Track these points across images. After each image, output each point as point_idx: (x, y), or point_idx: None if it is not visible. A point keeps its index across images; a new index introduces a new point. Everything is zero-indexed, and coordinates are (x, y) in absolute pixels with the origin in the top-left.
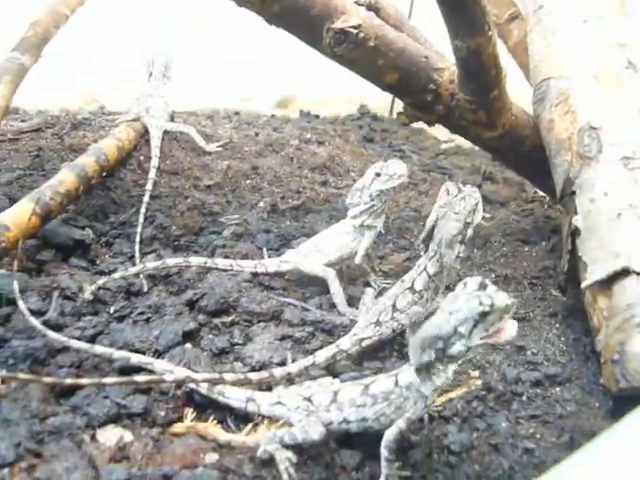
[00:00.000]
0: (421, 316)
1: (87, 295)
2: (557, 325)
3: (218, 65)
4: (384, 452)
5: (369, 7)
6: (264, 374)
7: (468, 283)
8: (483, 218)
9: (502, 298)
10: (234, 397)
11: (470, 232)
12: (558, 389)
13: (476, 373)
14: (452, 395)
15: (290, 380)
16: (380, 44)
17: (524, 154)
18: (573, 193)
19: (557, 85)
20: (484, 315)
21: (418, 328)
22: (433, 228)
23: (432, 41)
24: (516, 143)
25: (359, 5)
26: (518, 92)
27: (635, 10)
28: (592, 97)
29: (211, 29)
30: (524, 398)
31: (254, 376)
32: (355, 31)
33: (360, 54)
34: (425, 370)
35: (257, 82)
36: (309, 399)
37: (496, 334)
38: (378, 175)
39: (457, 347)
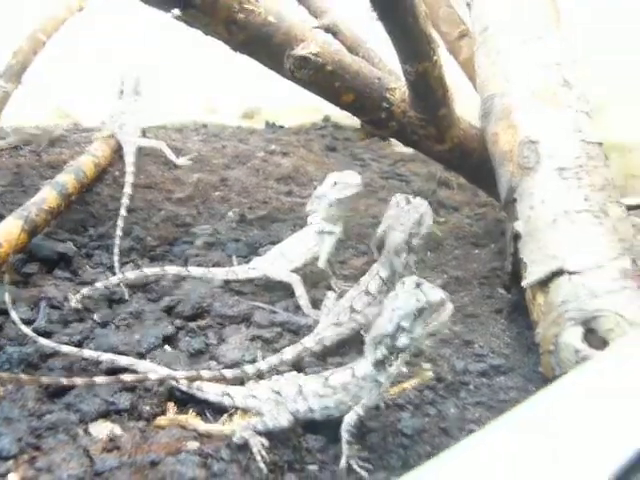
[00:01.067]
0: (375, 317)
1: (73, 304)
2: (502, 320)
3: (184, 77)
4: (344, 435)
5: (327, 30)
6: (237, 371)
7: (406, 282)
8: (436, 223)
9: (435, 294)
10: (211, 392)
11: (416, 242)
12: (502, 378)
13: (427, 365)
14: (405, 385)
15: (260, 376)
16: (337, 68)
17: (473, 165)
18: (515, 200)
19: (500, 101)
20: (421, 310)
21: (371, 328)
22: (383, 236)
23: (388, 59)
24: (465, 155)
25: (316, 28)
26: (469, 104)
27: (570, 31)
28: (531, 113)
29: (176, 41)
30: (471, 387)
31: (228, 373)
32: (313, 57)
33: (318, 78)
34: (380, 363)
35: (222, 93)
36: (278, 392)
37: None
38: (335, 184)
39: (403, 340)
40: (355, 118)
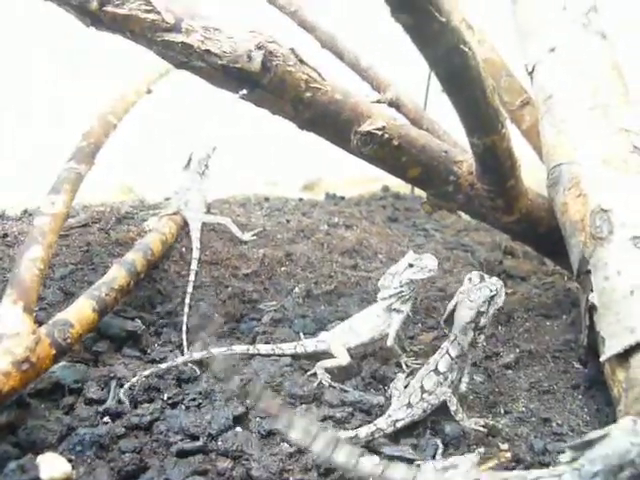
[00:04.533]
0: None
1: (122, 396)
2: (580, 397)
3: (244, 150)
4: None
5: (390, 104)
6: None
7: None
8: (505, 294)
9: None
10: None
11: (484, 321)
12: None
13: (505, 446)
14: (484, 467)
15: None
16: (403, 142)
17: (541, 235)
18: (588, 271)
19: (568, 170)
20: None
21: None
22: (453, 312)
23: (447, 126)
24: (533, 225)
25: (380, 103)
26: (534, 173)
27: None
28: (601, 181)
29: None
30: (553, 465)
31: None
32: (380, 132)
33: (385, 153)
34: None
35: (282, 166)
36: None
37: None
38: (411, 265)
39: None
40: (414, 188)
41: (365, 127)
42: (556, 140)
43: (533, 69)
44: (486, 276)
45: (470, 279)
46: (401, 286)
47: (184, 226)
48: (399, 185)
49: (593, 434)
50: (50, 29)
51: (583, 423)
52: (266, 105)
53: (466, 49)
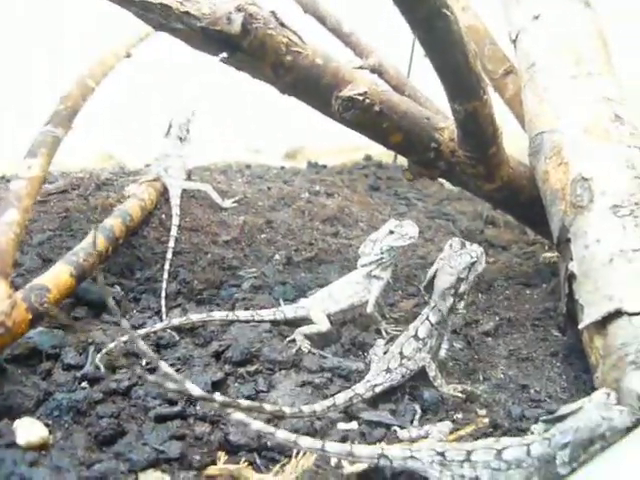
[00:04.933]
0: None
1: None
2: (558, 364)
3: (226, 117)
4: None
5: (372, 70)
6: (295, 409)
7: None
8: (487, 263)
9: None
10: (364, 454)
11: (464, 287)
12: None
13: (483, 412)
14: (462, 432)
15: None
16: (385, 108)
17: (522, 203)
18: (568, 240)
19: (550, 138)
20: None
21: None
22: (433, 279)
23: (430, 93)
24: (514, 193)
25: (362, 69)
26: (517, 141)
27: (620, 66)
28: (583, 149)
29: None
30: (528, 434)
31: (287, 410)
32: (361, 98)
33: (366, 118)
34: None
35: (264, 133)
36: (442, 454)
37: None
38: (392, 232)
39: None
40: (398, 156)
41: (346, 92)
42: (538, 108)
43: (517, 37)
44: (467, 243)
45: (451, 245)
46: (381, 253)
47: (164, 192)
48: (381, 154)
49: (566, 407)
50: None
51: (561, 390)
52: (246, 69)
53: (448, 13)
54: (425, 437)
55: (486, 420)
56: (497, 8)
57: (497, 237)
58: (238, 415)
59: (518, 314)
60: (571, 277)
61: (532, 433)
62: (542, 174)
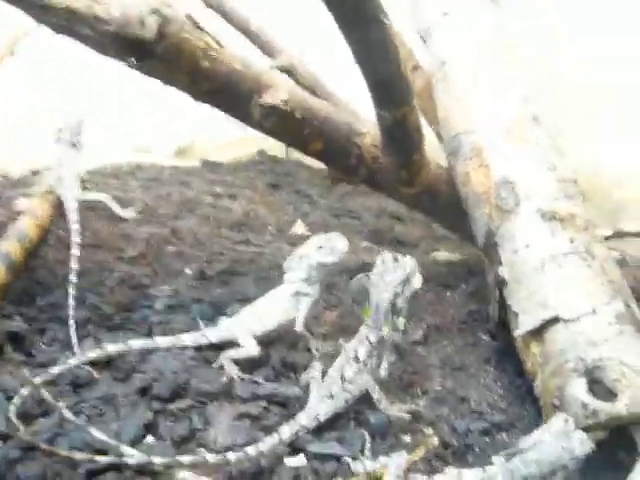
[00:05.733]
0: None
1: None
2: (492, 370)
3: (109, 115)
4: None
5: (282, 70)
6: (240, 454)
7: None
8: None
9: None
10: None
11: (401, 303)
12: (504, 435)
13: (430, 431)
14: (414, 457)
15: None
16: (306, 115)
17: (442, 206)
18: (495, 244)
19: (468, 140)
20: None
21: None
22: (363, 291)
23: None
24: (434, 197)
25: (272, 68)
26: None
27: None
28: (503, 151)
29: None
30: (476, 449)
31: (232, 456)
32: (282, 105)
33: (287, 126)
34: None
35: (151, 131)
36: None
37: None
38: (320, 248)
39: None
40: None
41: (267, 99)
42: (453, 108)
43: (426, 33)
44: (399, 256)
45: (383, 261)
46: (310, 269)
47: (58, 206)
48: (274, 147)
49: (526, 441)
50: None
51: (499, 398)
52: (159, 75)
53: (385, 20)
54: (381, 470)
55: (435, 440)
56: (405, 3)
57: (406, 234)
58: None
59: (444, 319)
60: (501, 283)
61: (492, 463)
62: (462, 176)
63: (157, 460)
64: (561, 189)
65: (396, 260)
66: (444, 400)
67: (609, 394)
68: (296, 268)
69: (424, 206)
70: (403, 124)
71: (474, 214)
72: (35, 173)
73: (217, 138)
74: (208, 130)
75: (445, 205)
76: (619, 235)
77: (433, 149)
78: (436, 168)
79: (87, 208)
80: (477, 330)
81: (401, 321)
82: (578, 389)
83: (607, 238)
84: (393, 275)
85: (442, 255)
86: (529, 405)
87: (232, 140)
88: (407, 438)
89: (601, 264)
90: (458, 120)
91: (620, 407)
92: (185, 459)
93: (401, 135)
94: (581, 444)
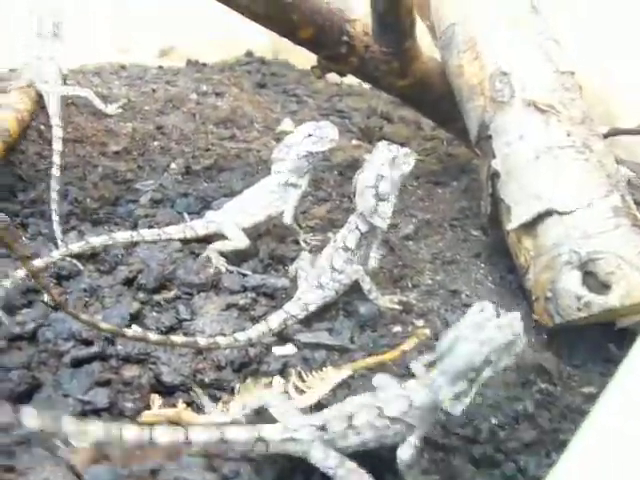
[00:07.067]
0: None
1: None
2: (483, 265)
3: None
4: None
5: None
6: (229, 339)
7: (485, 309)
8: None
9: (519, 325)
10: (241, 440)
11: (385, 186)
12: None
13: (420, 322)
14: (405, 347)
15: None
16: None
17: (433, 100)
18: (489, 137)
19: (463, 30)
20: (510, 344)
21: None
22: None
23: None
24: (426, 90)
25: None
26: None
27: None
28: (499, 42)
29: None
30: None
31: (222, 341)
32: None
33: (275, 10)
34: (462, 395)
35: (132, 31)
36: (323, 428)
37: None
38: (309, 136)
39: (486, 374)
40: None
41: None
42: None
43: None
44: (395, 146)
45: (377, 147)
46: (299, 159)
47: (39, 101)
48: (262, 49)
49: (442, 343)
50: None
51: (489, 291)
52: None
53: None
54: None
55: (427, 331)
56: None
57: (396, 133)
58: None
59: (435, 215)
60: (494, 175)
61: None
62: (455, 68)
63: (151, 336)
64: (559, 81)
65: (389, 149)
66: (435, 293)
67: (602, 287)
68: (284, 158)
69: (415, 99)
70: (396, 7)
71: (467, 107)
72: (12, 70)
73: (201, 40)
74: (192, 32)
75: (437, 99)
76: (615, 133)
77: (425, 48)
78: (429, 60)
79: (69, 104)
80: (468, 226)
81: (387, 206)
82: (571, 282)
83: (605, 137)
84: (378, 155)
85: None
86: (520, 300)
87: (216, 41)
88: (398, 329)
89: (599, 158)
90: (452, 10)
91: (613, 299)
92: (177, 339)
93: (393, 20)
94: (500, 331)
